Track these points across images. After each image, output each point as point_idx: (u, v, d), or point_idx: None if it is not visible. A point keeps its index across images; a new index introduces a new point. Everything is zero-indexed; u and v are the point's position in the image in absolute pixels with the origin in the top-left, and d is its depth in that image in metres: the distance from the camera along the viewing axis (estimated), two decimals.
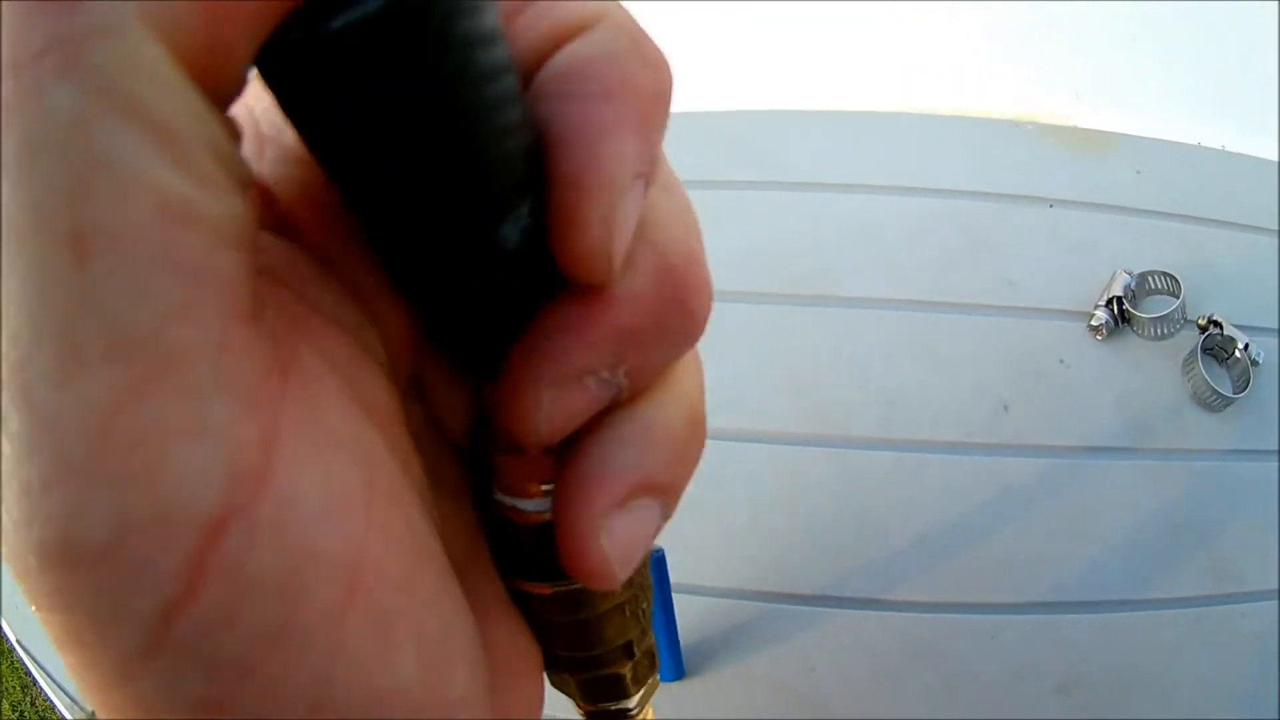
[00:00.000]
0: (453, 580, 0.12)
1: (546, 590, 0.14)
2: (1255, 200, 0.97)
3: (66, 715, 0.88)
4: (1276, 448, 0.86)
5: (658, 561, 0.67)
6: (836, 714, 0.77)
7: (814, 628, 0.80)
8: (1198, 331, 0.88)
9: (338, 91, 0.09)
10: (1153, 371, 0.88)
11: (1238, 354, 0.86)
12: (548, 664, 0.16)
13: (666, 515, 0.14)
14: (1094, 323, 0.88)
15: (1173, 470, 0.85)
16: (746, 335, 0.90)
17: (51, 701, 0.92)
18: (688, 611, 0.79)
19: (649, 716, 0.18)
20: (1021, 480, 0.84)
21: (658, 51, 0.12)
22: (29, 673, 1.03)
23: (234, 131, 0.10)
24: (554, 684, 0.17)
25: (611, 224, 0.11)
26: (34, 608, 0.09)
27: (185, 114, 0.09)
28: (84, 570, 0.09)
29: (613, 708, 0.17)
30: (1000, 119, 1.02)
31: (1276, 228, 0.95)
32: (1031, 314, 0.90)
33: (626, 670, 0.16)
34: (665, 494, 0.13)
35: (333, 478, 0.10)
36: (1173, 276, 0.89)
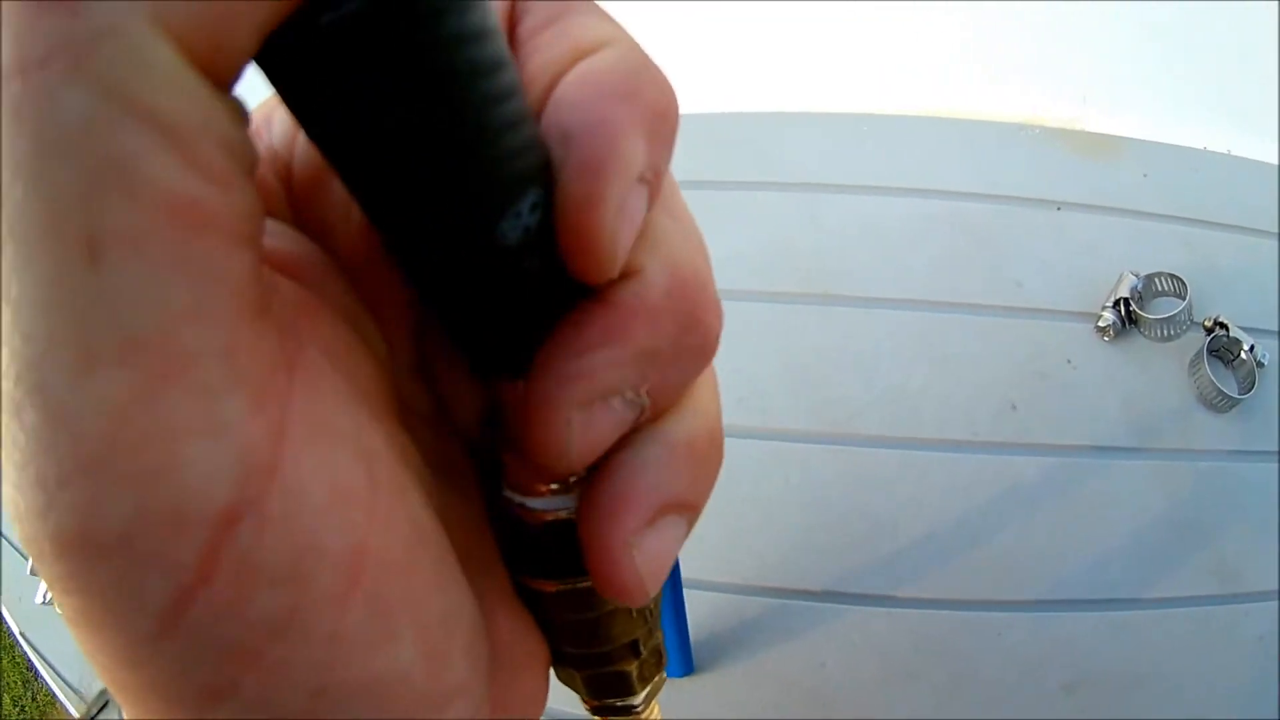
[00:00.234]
0: (455, 569, 0.13)
1: (554, 588, 0.15)
2: (1261, 204, 0.97)
3: (69, 708, 0.88)
4: (1278, 450, 0.87)
5: None
6: (845, 710, 0.78)
7: (823, 624, 0.80)
8: (1204, 333, 0.89)
9: (330, 85, 0.10)
10: (1159, 372, 0.89)
11: (1243, 355, 0.87)
12: (554, 659, 0.16)
13: (690, 529, 0.14)
14: (1101, 324, 0.89)
15: (1178, 470, 0.86)
16: (756, 333, 0.91)
17: (54, 694, 0.92)
18: (697, 607, 0.80)
19: (655, 713, 0.18)
20: (1028, 479, 0.84)
21: (663, 75, 0.12)
22: (31, 666, 1.03)
23: (240, 114, 0.10)
24: (560, 678, 0.17)
25: (623, 211, 0.11)
26: (48, 587, 0.09)
27: (194, 111, 0.09)
28: (99, 560, 0.09)
29: (618, 704, 0.17)
30: (1007, 122, 1.03)
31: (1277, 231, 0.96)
32: (1038, 315, 0.91)
33: (632, 668, 0.17)
34: (690, 510, 0.14)
35: (337, 470, 0.10)
36: (1179, 279, 0.90)
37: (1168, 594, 0.82)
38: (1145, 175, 0.98)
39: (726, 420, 0.14)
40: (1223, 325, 0.88)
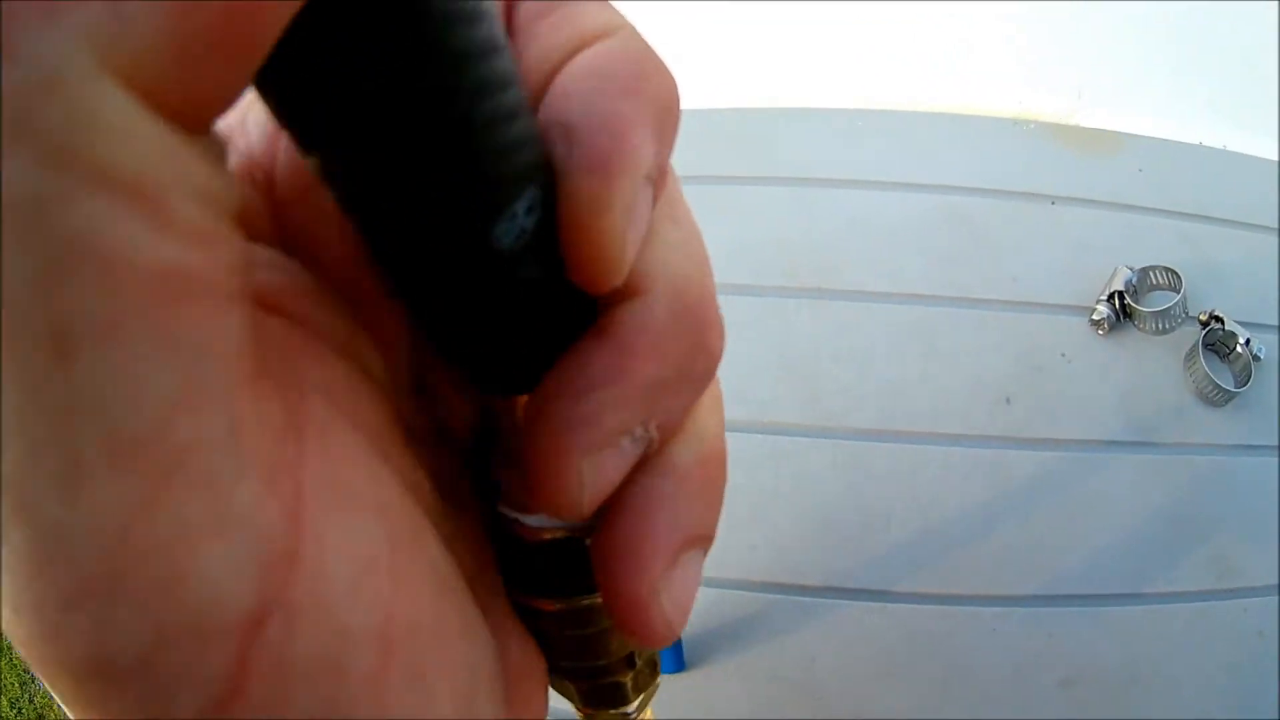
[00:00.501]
0: (473, 607, 0.12)
1: (553, 607, 0.14)
2: (1257, 199, 0.97)
3: (66, 711, 0.88)
4: (1278, 443, 0.86)
5: None
6: (836, 706, 0.77)
7: (814, 619, 0.80)
8: (1199, 327, 0.88)
9: (306, 60, 0.09)
10: (1154, 366, 0.88)
11: (1239, 349, 0.87)
12: (549, 670, 0.16)
13: (707, 554, 0.14)
14: (1095, 317, 0.89)
15: (1174, 464, 0.85)
16: (749, 327, 0.91)
17: (51, 696, 0.92)
18: None
19: (648, 715, 0.18)
20: (1023, 473, 0.84)
21: (666, 68, 0.12)
22: (28, 669, 1.03)
23: (217, 151, 0.09)
24: (553, 686, 0.17)
25: (631, 214, 0.11)
26: (65, 710, 0.09)
27: (162, 165, 0.08)
28: (118, 687, 0.08)
29: (612, 712, 0.17)
30: (1003, 117, 1.03)
31: (1278, 226, 0.95)
32: (1033, 309, 0.90)
33: (628, 679, 0.16)
34: (708, 541, 0.13)
35: (358, 541, 0.10)
36: (1174, 272, 0.90)
37: (1164, 589, 0.82)
38: (1140, 170, 0.98)
39: None
40: (1218, 319, 0.87)
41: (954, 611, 0.80)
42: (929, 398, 0.87)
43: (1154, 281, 0.91)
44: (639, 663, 0.16)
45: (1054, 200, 0.96)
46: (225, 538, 0.08)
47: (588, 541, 0.13)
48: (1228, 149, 1.01)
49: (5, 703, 1.50)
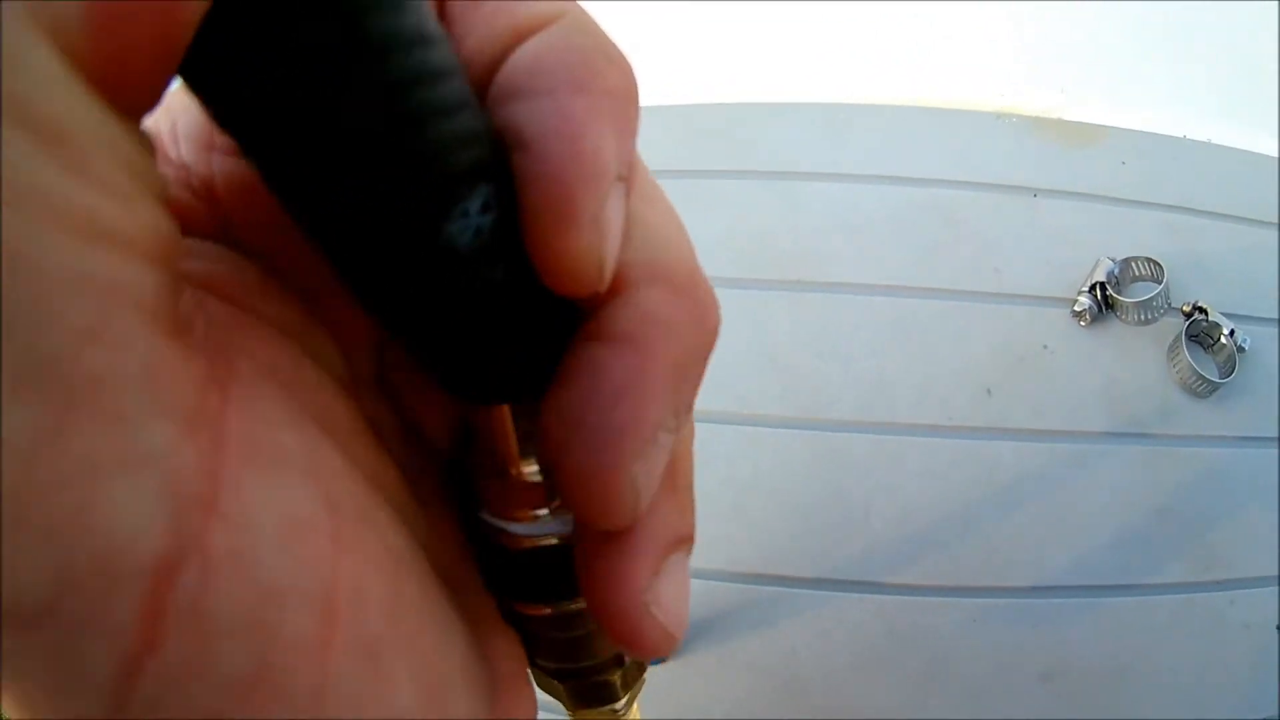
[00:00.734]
0: (443, 595, 0.12)
1: (540, 612, 0.14)
2: (1242, 191, 0.97)
3: None
4: (1264, 434, 0.86)
5: None
6: (817, 697, 0.77)
7: (794, 610, 0.79)
8: (1182, 318, 0.88)
9: (229, 45, 0.09)
10: (1137, 358, 0.88)
11: (1223, 340, 0.86)
12: (537, 672, 0.16)
13: (691, 553, 0.13)
14: (1077, 308, 0.88)
15: (1159, 455, 0.84)
16: (731, 320, 0.90)
17: None
18: None
19: (635, 714, 0.18)
20: (1004, 464, 0.83)
21: (620, 51, 0.11)
22: None
23: (147, 145, 0.09)
24: (540, 686, 0.16)
25: (601, 223, 0.10)
26: None
27: (86, 122, 0.08)
28: (27, 632, 0.08)
29: (602, 710, 0.17)
30: (985, 111, 1.03)
31: (1262, 219, 0.95)
32: (1015, 300, 0.90)
33: (616, 677, 0.16)
34: (689, 541, 0.13)
35: (289, 498, 0.09)
36: (1156, 262, 0.89)
37: (1149, 581, 0.81)
38: (1124, 163, 0.98)
39: (700, 406, 0.13)
40: (1202, 310, 0.87)
41: (935, 603, 0.80)
42: (909, 389, 0.86)
43: (1136, 272, 0.91)
44: (627, 661, 0.16)
45: (1036, 193, 0.96)
46: (134, 475, 0.08)
47: (574, 546, 0.13)
48: (1212, 142, 1.00)
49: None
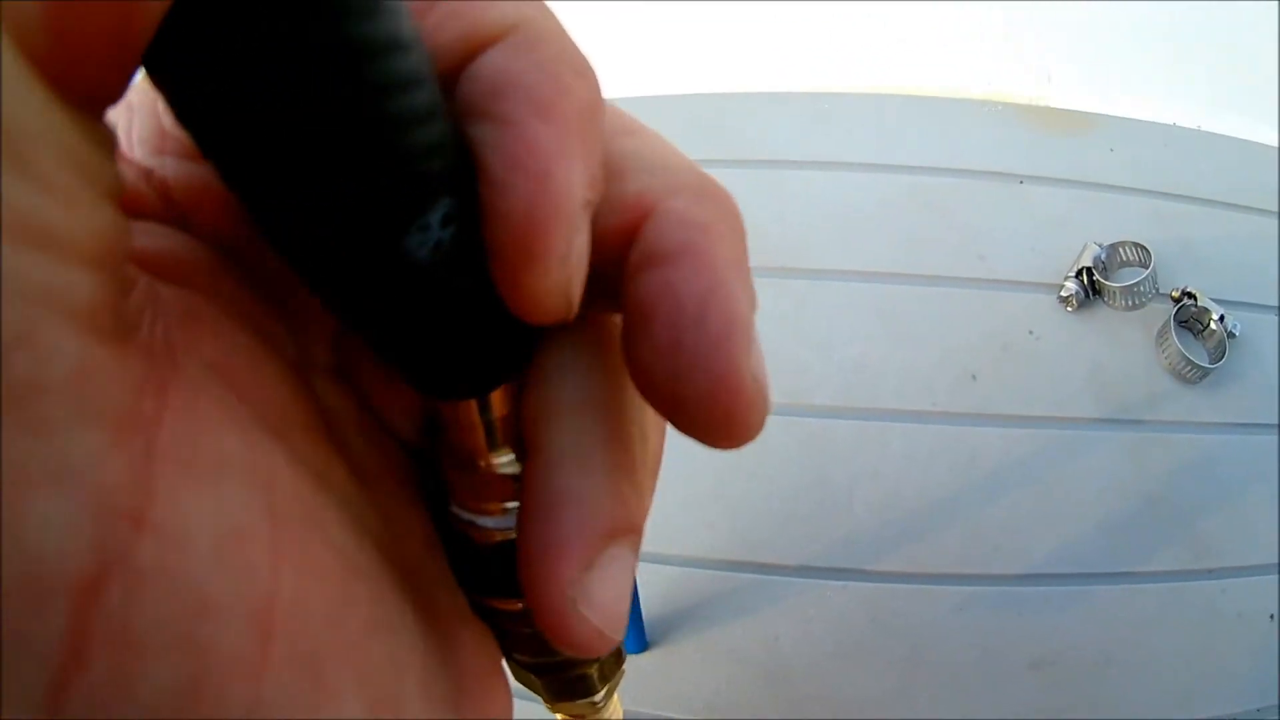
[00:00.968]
0: (398, 598, 0.11)
1: (511, 606, 0.13)
2: (1231, 178, 0.96)
3: None
4: (1256, 420, 0.84)
5: None
6: (799, 686, 0.75)
7: (776, 598, 0.78)
8: (1170, 303, 0.87)
9: (211, 73, 0.09)
10: (1125, 343, 0.87)
11: (1213, 325, 0.85)
12: (513, 666, 0.15)
13: (638, 546, 0.12)
14: (1064, 294, 0.87)
15: (1148, 442, 0.83)
16: None
17: None
18: (650, 582, 0.78)
19: (616, 711, 0.18)
20: (989, 450, 0.82)
21: (584, 57, 0.11)
22: None
23: (105, 139, 0.09)
24: (517, 680, 0.16)
25: (570, 260, 0.10)
26: None
27: (35, 121, 0.08)
28: None
29: (580, 702, 0.17)
30: (972, 99, 1.02)
31: (1252, 205, 0.94)
32: (1000, 286, 0.89)
33: (593, 670, 0.16)
34: (635, 533, 0.12)
35: (225, 508, 0.09)
36: (1143, 247, 0.88)
37: (1139, 569, 0.80)
38: (1112, 150, 0.97)
39: None
40: (1191, 295, 0.86)
41: (919, 591, 0.79)
42: (894, 375, 0.86)
43: (1123, 257, 0.90)
44: (605, 653, 0.16)
45: (1022, 179, 0.95)
46: (59, 488, 0.08)
47: None
48: (1202, 129, 1.00)
49: None
